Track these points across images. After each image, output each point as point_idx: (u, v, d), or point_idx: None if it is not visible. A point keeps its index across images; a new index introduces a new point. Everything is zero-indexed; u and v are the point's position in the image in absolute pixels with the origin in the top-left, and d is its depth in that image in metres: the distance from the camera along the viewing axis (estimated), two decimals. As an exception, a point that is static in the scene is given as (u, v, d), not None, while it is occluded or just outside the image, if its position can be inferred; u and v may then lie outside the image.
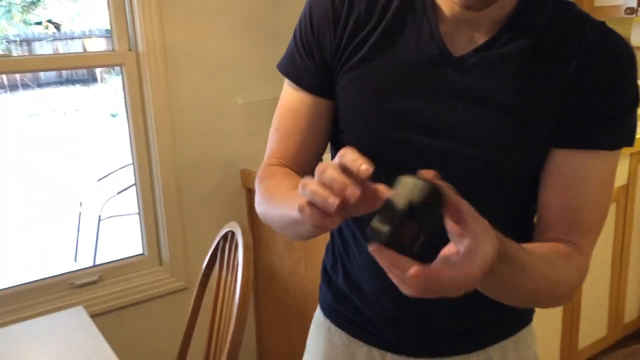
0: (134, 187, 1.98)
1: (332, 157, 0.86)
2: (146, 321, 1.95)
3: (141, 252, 1.99)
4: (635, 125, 0.78)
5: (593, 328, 2.36)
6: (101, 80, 11.00)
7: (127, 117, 1.89)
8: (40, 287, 1.79)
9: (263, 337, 2.23)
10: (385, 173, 0.71)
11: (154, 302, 1.95)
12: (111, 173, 4.61)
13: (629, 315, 2.53)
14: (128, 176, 4.35)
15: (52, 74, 10.46)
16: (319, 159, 0.90)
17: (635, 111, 0.77)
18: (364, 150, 0.78)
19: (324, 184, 0.55)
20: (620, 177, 2.28)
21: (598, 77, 0.74)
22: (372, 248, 0.53)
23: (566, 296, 0.77)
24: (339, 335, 0.94)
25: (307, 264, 1.89)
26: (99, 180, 4.73)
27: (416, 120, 0.78)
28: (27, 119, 9.11)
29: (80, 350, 1.31)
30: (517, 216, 0.85)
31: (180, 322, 1.64)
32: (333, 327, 0.95)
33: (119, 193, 4.20)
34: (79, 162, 6.74)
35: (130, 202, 4.14)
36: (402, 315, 0.87)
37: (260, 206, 0.85)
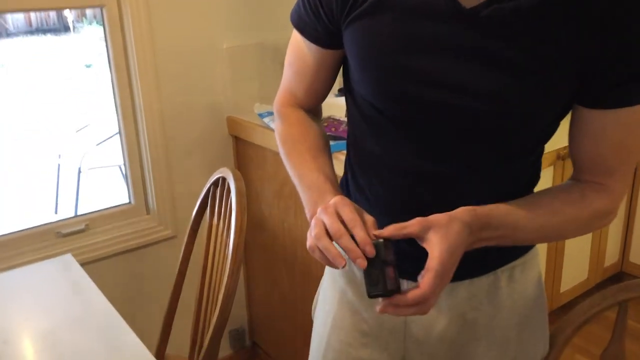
0: (116, 137, 1.94)
1: (346, 100, 0.94)
2: (136, 269, 1.94)
3: (127, 201, 1.96)
4: None
5: (575, 272, 2.42)
6: (73, 30, 10.66)
7: (109, 63, 1.82)
8: (25, 237, 1.75)
9: (252, 284, 2.24)
10: (401, 120, 0.84)
11: (143, 251, 1.94)
12: (89, 124, 4.52)
13: (609, 259, 2.59)
14: (106, 127, 4.27)
15: (21, 23, 10.09)
16: (326, 95, 1.00)
17: None
18: (372, 101, 0.86)
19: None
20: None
21: (618, 33, 0.71)
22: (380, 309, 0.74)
23: (587, 228, 0.84)
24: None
25: (296, 213, 1.88)
26: (77, 131, 4.64)
27: (423, 74, 0.78)
28: (-3, 70, 8.83)
29: (71, 297, 1.30)
30: (527, 162, 0.88)
31: (170, 270, 1.64)
32: None
33: (98, 145, 4.13)
34: (55, 114, 6.58)
35: (110, 153, 4.08)
36: (417, 251, 0.88)
37: (280, 150, 0.97)
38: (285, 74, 1.00)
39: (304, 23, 0.90)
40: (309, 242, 0.75)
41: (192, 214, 1.54)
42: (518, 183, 0.88)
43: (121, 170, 3.72)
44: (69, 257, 1.46)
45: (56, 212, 4.06)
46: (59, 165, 4.43)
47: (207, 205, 1.50)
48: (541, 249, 2.21)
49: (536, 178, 0.92)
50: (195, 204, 1.53)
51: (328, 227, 0.74)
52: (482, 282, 0.91)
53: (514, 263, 0.92)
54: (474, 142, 0.81)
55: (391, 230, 0.74)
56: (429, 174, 0.84)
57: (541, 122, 0.80)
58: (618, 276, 2.68)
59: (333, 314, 1.01)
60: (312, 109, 1.02)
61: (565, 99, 0.77)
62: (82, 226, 1.84)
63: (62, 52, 9.76)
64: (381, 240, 0.74)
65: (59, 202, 4.14)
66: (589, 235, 2.43)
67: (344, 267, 0.72)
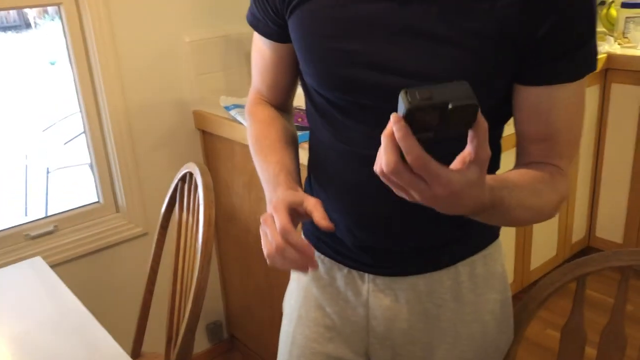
0: (83, 135, 1.91)
1: (304, 90, 0.94)
2: (108, 268, 1.93)
3: (96, 200, 1.95)
4: (596, 49, 0.77)
5: (544, 249, 2.48)
6: (35, 26, 10.43)
7: (70, 61, 1.80)
8: (-7, 241, 1.73)
9: (227, 277, 2.25)
10: (347, 107, 0.84)
11: (114, 249, 1.93)
12: (56, 123, 4.45)
13: (576, 235, 2.66)
14: (74, 125, 4.21)
15: (-19, 22, 9.85)
16: (290, 90, 1.02)
17: (595, 35, 0.76)
18: (318, 89, 0.87)
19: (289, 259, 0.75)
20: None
21: (556, 5, 0.71)
22: (395, 117, 0.58)
23: (551, 214, 0.82)
24: (322, 259, 0.98)
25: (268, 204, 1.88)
26: (44, 130, 4.57)
27: (364, 57, 0.78)
28: (-42, 71, 8.61)
29: (43, 300, 1.29)
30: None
31: (142, 267, 1.63)
32: (316, 252, 0.98)
33: (65, 143, 4.08)
34: (20, 113, 6.44)
35: (78, 151, 4.03)
36: (374, 242, 0.90)
37: (250, 149, 0.97)
38: (252, 73, 1.02)
39: (256, 20, 0.93)
40: (267, 261, 0.77)
41: (161, 211, 1.53)
42: None
43: (91, 168, 3.67)
44: (38, 260, 1.45)
45: (26, 214, 4.00)
46: (26, 166, 4.36)
47: (176, 201, 1.50)
48: (510, 227, 2.26)
49: (495, 160, 0.92)
50: (164, 201, 1.53)
51: (270, 242, 0.75)
52: (442, 277, 0.91)
53: (474, 257, 0.92)
54: None
55: None
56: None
57: (486, 101, 0.79)
58: (585, 251, 2.75)
59: (298, 310, 1.02)
60: (281, 106, 1.03)
61: (508, 75, 0.77)
62: (51, 227, 1.82)
63: (24, 49, 9.55)
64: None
65: (28, 203, 4.08)
66: (556, 212, 2.48)
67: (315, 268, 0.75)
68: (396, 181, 0.61)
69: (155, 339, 1.65)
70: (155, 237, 1.54)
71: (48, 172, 3.91)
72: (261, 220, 0.78)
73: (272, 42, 0.93)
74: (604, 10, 2.66)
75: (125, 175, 1.90)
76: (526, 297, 1.02)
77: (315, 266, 0.74)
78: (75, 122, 4.05)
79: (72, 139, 3.98)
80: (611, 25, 2.64)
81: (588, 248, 2.76)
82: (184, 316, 1.34)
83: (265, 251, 0.77)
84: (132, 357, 1.41)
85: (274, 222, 0.75)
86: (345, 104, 0.83)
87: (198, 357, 2.23)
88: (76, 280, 1.80)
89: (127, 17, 1.82)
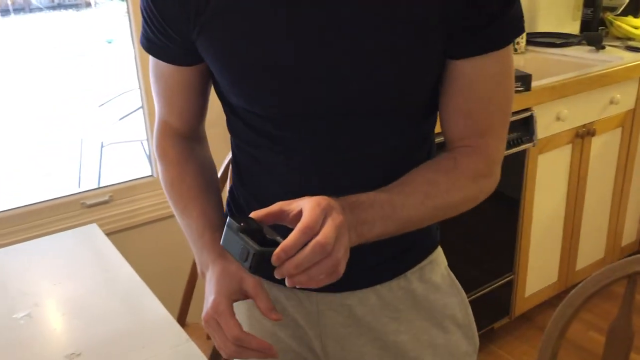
0: (138, 112, 1.97)
1: (224, 108, 0.88)
2: (158, 240, 1.99)
3: (149, 174, 2.01)
4: (518, 13, 0.73)
5: (591, 250, 2.42)
6: (95, 5, 10.73)
7: (132, 39, 1.85)
8: (51, 207, 1.81)
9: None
10: (280, 119, 0.79)
11: (165, 222, 1.98)
12: (112, 99, 4.58)
13: (626, 239, 2.59)
14: (129, 102, 4.32)
15: (44, -1, 10.19)
16: (204, 113, 0.94)
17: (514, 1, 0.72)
18: (252, 106, 0.80)
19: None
20: (628, 102, 2.27)
21: None
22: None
23: (472, 201, 0.79)
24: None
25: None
26: (100, 106, 4.71)
27: (293, 69, 0.73)
28: (21, 44, 8.94)
29: (97, 265, 1.35)
30: (423, 133, 0.84)
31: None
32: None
33: (120, 119, 4.19)
34: (77, 88, 6.66)
35: (132, 129, 4.14)
36: None
37: (166, 196, 0.90)
38: (155, 103, 0.91)
39: (155, 46, 0.82)
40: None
41: (212, 187, 1.57)
42: (410, 162, 0.82)
43: (142, 145, 3.77)
44: (94, 227, 1.52)
45: (79, 186, 4.15)
46: (81, 140, 4.51)
47: (227, 178, 1.54)
48: (557, 226, 2.23)
49: (428, 151, 0.87)
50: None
51: (221, 350, 0.73)
52: (393, 288, 0.87)
53: (422, 264, 0.89)
54: (364, 124, 0.77)
55: (255, 213, 0.65)
56: (320, 164, 0.80)
57: (420, 84, 0.76)
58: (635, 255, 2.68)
59: (248, 326, 0.96)
60: (193, 133, 0.94)
61: (434, 55, 0.74)
62: (107, 197, 1.89)
63: (83, 27, 9.83)
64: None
65: (81, 176, 4.22)
66: (607, 214, 2.43)
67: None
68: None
69: (200, 312, 1.69)
70: (205, 212, 1.57)
71: (102, 147, 4.03)
72: (203, 322, 0.75)
73: (176, 66, 0.83)
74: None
75: (178, 151, 1.95)
76: (572, 293, 1.01)
77: (276, 356, 0.72)
78: (129, 99, 4.16)
79: (126, 116, 4.09)
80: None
81: (639, 252, 2.69)
82: (229, 290, 1.38)
83: (223, 355, 0.75)
84: (178, 325, 1.46)
85: (219, 326, 0.73)
86: (279, 117, 0.79)
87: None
88: (128, 249, 1.86)
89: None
